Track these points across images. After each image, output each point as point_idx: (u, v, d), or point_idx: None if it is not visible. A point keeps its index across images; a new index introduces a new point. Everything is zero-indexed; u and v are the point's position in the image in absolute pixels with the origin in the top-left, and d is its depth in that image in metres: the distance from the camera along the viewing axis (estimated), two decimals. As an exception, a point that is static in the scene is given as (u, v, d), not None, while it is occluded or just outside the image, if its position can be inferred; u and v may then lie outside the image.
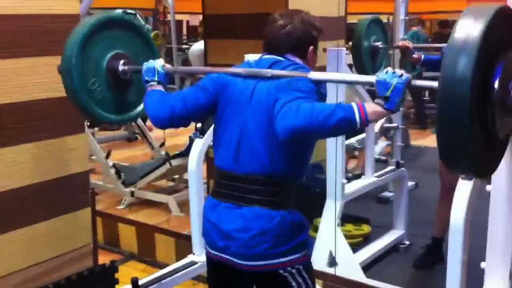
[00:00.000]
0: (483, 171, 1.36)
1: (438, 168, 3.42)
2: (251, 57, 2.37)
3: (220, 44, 3.92)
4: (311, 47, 1.90)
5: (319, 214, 3.27)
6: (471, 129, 1.18)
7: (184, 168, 3.98)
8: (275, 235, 1.77)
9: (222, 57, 3.84)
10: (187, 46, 9.11)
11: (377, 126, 3.98)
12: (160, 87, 1.95)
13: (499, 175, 1.79)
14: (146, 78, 1.96)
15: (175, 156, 4.67)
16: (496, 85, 1.23)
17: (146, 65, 1.99)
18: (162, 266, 3.10)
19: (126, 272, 3.55)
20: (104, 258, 3.11)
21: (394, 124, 4.16)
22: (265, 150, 1.76)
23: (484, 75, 1.20)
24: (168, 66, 2.01)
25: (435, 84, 1.25)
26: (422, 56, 3.42)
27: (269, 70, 1.77)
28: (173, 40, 9.30)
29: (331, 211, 3.17)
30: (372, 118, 1.52)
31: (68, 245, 2.67)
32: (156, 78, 1.95)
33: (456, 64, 1.15)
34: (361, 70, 3.54)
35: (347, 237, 3.33)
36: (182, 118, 1.87)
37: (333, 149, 3.15)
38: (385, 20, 8.23)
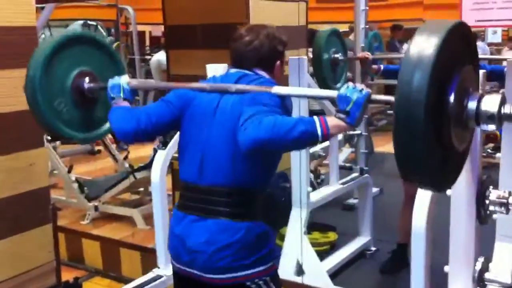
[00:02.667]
0: (441, 185, 1.36)
1: (401, 174, 3.47)
2: (213, 68, 2.37)
3: (181, 54, 3.91)
4: (277, 62, 1.93)
5: (285, 223, 3.27)
6: (428, 143, 1.19)
7: (148, 181, 3.92)
8: (240, 248, 1.77)
9: (184, 67, 3.82)
10: (150, 57, 9.06)
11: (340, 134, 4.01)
12: (125, 103, 1.95)
13: (458, 179, 1.82)
14: (112, 95, 1.97)
15: (139, 169, 4.61)
16: (451, 99, 1.24)
17: (111, 82, 1.98)
18: (127, 281, 3.05)
19: (90, 289, 3.49)
20: (68, 275, 3.06)
21: (358, 131, 4.20)
22: (229, 162, 1.76)
23: (439, 90, 1.21)
24: (133, 81, 2.00)
25: (392, 98, 1.25)
26: (382, 66, 3.50)
27: (234, 85, 1.78)
28: (136, 51, 9.24)
29: (297, 219, 3.17)
30: (333, 132, 1.55)
31: (30, 263, 2.61)
32: (121, 95, 1.95)
33: (411, 79, 1.16)
34: (322, 82, 3.58)
35: (314, 245, 3.33)
36: (147, 133, 1.88)
37: (297, 158, 3.16)
38: (346, 29, 8.37)
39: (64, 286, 2.78)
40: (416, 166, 1.22)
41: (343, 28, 9.31)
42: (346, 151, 5.42)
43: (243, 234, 1.77)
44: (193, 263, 1.82)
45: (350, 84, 1.53)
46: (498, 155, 2.29)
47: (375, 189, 4.49)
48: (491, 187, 1.95)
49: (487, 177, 2.02)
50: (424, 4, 8.98)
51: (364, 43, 4.56)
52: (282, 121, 1.57)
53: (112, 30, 10.46)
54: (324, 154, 4.12)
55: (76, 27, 11.37)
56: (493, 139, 3.29)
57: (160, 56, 6.83)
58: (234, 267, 1.78)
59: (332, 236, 3.97)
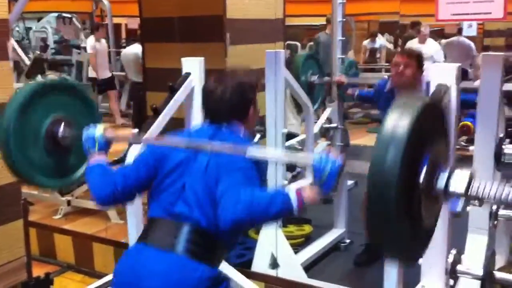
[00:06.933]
0: (408, 258, 1.41)
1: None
2: (189, 63, 2.33)
3: (157, 47, 3.86)
4: (250, 108, 1.94)
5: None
6: (398, 218, 1.22)
7: (122, 174, 3.88)
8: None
9: (159, 61, 3.78)
10: (126, 49, 8.96)
11: (316, 127, 4.02)
12: (101, 156, 1.96)
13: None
14: (87, 148, 1.97)
15: (113, 163, 4.54)
16: (422, 175, 1.28)
17: (86, 133, 1.98)
18: (100, 276, 3.02)
19: (63, 284, 3.45)
20: (39, 271, 3.01)
21: (334, 125, 4.20)
22: (203, 208, 1.75)
23: (411, 166, 1.25)
24: (109, 132, 2.00)
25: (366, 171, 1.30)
26: (357, 91, 3.69)
27: (209, 145, 1.79)
28: (111, 43, 9.13)
29: (272, 213, 3.16)
30: (308, 202, 1.62)
31: (0, 259, 2.56)
32: (96, 148, 1.96)
33: (384, 156, 1.20)
34: (298, 105, 3.63)
35: (289, 238, 3.33)
36: (124, 195, 1.89)
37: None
38: (323, 22, 8.39)
39: (36, 281, 2.74)
40: (387, 239, 1.27)
41: (320, 21, 9.32)
42: (322, 144, 5.43)
43: (199, 276, 1.72)
44: None
45: (324, 153, 1.59)
46: (471, 147, 2.31)
47: (350, 182, 4.51)
48: (463, 179, 1.97)
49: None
50: (401, -2, 9.06)
51: (340, 70, 4.60)
52: (258, 200, 1.62)
53: (87, 23, 10.33)
54: (300, 148, 4.12)
55: (50, 19, 11.20)
56: (467, 132, 3.33)
57: (136, 49, 6.72)
58: None
59: (307, 228, 3.97)
